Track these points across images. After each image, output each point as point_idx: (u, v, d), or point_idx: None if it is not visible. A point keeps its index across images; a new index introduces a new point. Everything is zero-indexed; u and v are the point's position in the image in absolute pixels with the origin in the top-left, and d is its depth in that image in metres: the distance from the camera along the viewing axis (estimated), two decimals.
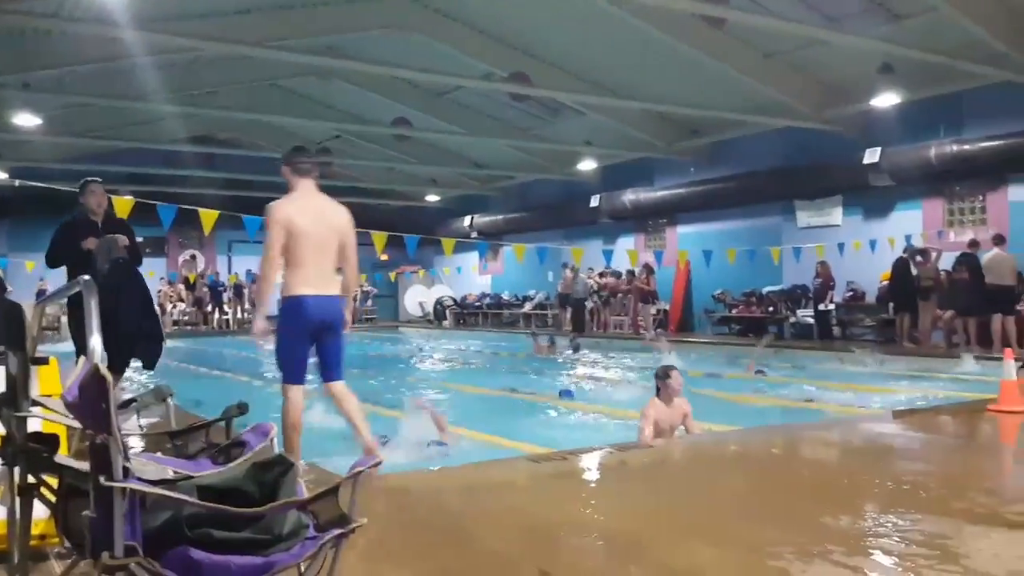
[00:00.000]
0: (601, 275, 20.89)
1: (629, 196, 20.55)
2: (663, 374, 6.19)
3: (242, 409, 2.47)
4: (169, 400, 2.80)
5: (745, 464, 5.37)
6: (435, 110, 19.77)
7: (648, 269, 19.04)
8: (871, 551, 3.36)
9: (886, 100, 14.01)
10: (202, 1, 13.49)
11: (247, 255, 27.99)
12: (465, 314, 26.28)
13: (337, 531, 1.90)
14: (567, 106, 18.60)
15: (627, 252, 17.85)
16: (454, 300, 26.99)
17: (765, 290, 17.59)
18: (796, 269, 16.97)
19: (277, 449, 2.19)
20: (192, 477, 1.97)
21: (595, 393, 10.42)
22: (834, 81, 15.16)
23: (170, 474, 2.00)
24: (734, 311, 18.18)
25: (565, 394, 9.60)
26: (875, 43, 12.41)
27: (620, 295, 20.17)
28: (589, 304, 20.57)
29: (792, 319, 16.88)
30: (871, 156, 15.05)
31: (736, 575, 3.11)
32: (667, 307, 19.99)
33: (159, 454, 2.29)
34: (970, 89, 13.89)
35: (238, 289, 25.73)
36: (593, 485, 4.84)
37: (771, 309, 17.39)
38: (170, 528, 1.79)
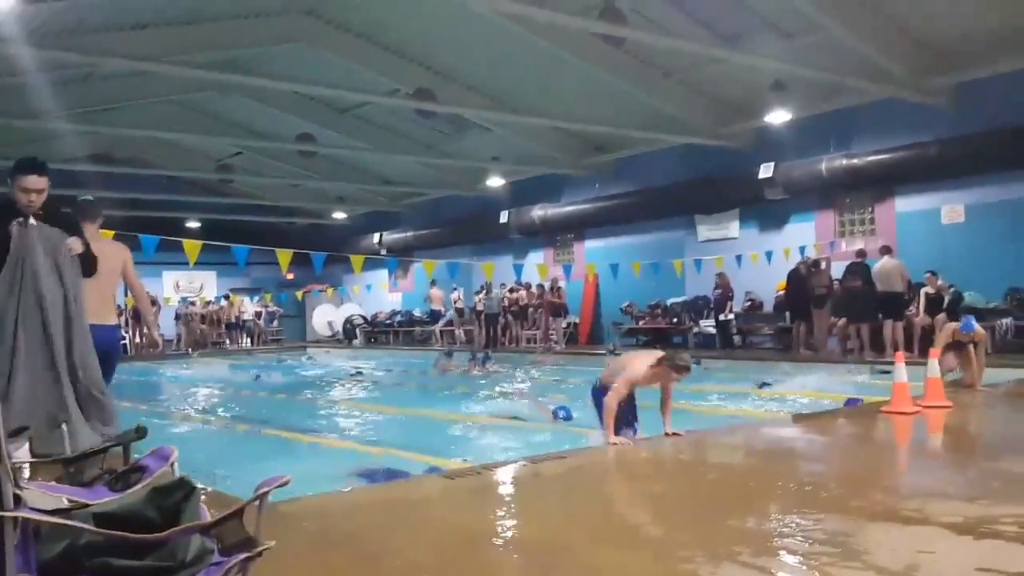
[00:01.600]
0: (512, 290, 21.03)
1: (537, 212, 20.78)
2: (685, 365, 6.03)
3: (140, 433, 2.37)
4: (63, 427, 2.67)
5: (655, 470, 5.47)
6: (340, 126, 19.58)
7: (556, 283, 19.28)
8: (777, 551, 3.46)
9: (779, 117, 14.59)
10: (97, 15, 13.00)
11: (145, 277, 27.11)
12: (376, 332, 25.98)
13: (243, 555, 1.84)
14: (473, 123, 18.71)
15: (537, 267, 18.01)
16: (364, 318, 26.65)
17: (669, 301, 18.06)
18: (698, 281, 17.46)
19: (178, 473, 2.11)
20: (89, 505, 1.88)
21: (510, 406, 10.45)
22: (730, 98, 15.72)
23: (65, 502, 1.90)
24: (641, 323, 18.57)
25: (561, 411, 8.87)
26: (768, 61, 12.92)
27: (532, 309, 20.33)
28: (501, 320, 20.69)
29: (695, 329, 17.35)
30: (765, 171, 15.66)
31: None
32: (577, 320, 20.25)
33: (53, 482, 2.18)
34: (858, 105, 14.61)
35: (135, 313, 24.70)
36: (508, 497, 4.84)
37: (675, 320, 17.83)
38: (67, 559, 1.71)
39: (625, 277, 17.44)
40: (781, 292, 15.67)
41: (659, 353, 6.12)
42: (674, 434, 6.11)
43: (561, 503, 4.52)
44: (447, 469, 5.67)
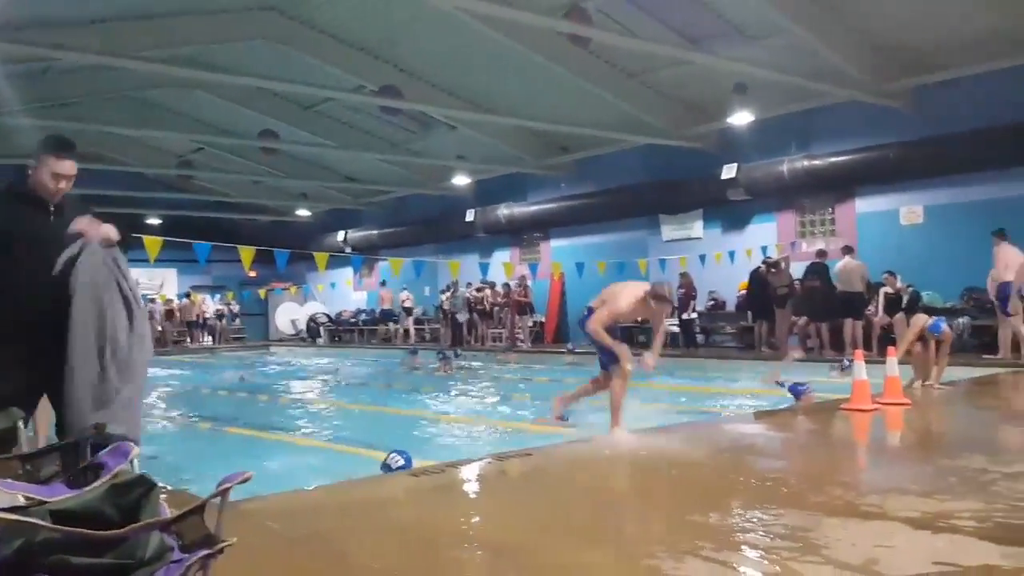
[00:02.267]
0: (478, 289, 21.02)
1: (503, 211, 20.80)
2: (664, 296, 6.44)
3: (99, 430, 2.33)
4: (19, 424, 2.61)
5: (618, 467, 5.50)
6: (304, 123, 19.41)
7: (523, 282, 19.31)
8: (739, 545, 3.50)
9: (741, 118, 14.74)
10: (57, 8, 12.73)
11: None
12: (340, 331, 25.81)
13: (204, 552, 1.82)
14: (439, 121, 18.66)
15: (503, 265, 18.01)
16: (328, 317, 26.45)
17: None
18: (662, 280, 17.53)
19: (138, 470, 2.08)
20: (46, 502, 1.84)
21: (475, 405, 10.44)
22: (693, 100, 15.86)
23: (21, 500, 1.86)
24: None
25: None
26: (731, 64, 13.05)
27: (497, 308, 20.32)
28: (464, 318, 20.66)
29: None
30: (728, 172, 15.81)
31: (612, 573, 3.17)
32: (543, 319, 20.29)
33: (9, 480, 2.13)
34: (819, 107, 14.81)
35: None
36: (473, 496, 4.83)
37: (640, 319, 17.91)
38: (23, 556, 1.67)
39: (590, 276, 17.50)
40: (743, 292, 15.85)
41: (645, 286, 6.37)
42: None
43: (525, 501, 4.53)
44: (412, 467, 5.64)
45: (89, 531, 1.68)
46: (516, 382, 13.45)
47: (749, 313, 15.59)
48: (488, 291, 20.52)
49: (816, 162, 14.92)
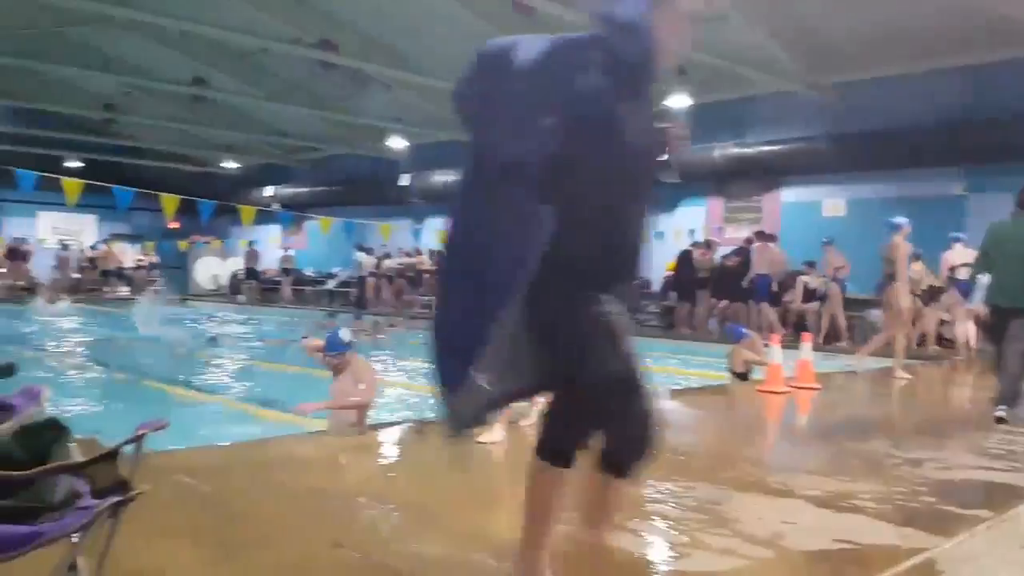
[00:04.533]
0: (408, 255, 20.89)
1: (439, 177, 20.60)
2: None
3: (9, 370, 2.25)
4: None
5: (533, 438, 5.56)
6: (236, 72, 18.82)
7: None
8: (650, 515, 3.59)
9: (678, 101, 14.88)
10: None
11: (17, 215, 25.54)
12: (263, 289, 25.30)
13: (115, 498, 1.78)
14: (377, 80, 18.32)
15: (437, 233, 17.89)
16: (250, 272, 25.88)
17: None
18: None
19: (48, 413, 2.02)
20: None
21: (395, 369, 10.42)
22: None
23: None
24: None
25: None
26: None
27: (428, 275, 20.20)
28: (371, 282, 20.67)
29: None
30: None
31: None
32: None
33: None
34: (754, 96, 15.07)
35: (14, 252, 23.26)
36: (392, 459, 4.84)
37: None
38: None
39: None
40: (669, 273, 16.11)
41: None
42: None
43: (443, 466, 4.55)
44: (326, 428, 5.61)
45: None
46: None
47: (674, 294, 15.87)
48: (422, 257, 20.43)
49: (747, 150, 15.21)
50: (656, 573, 3.09)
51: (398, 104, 19.02)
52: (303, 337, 7.79)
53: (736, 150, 15.32)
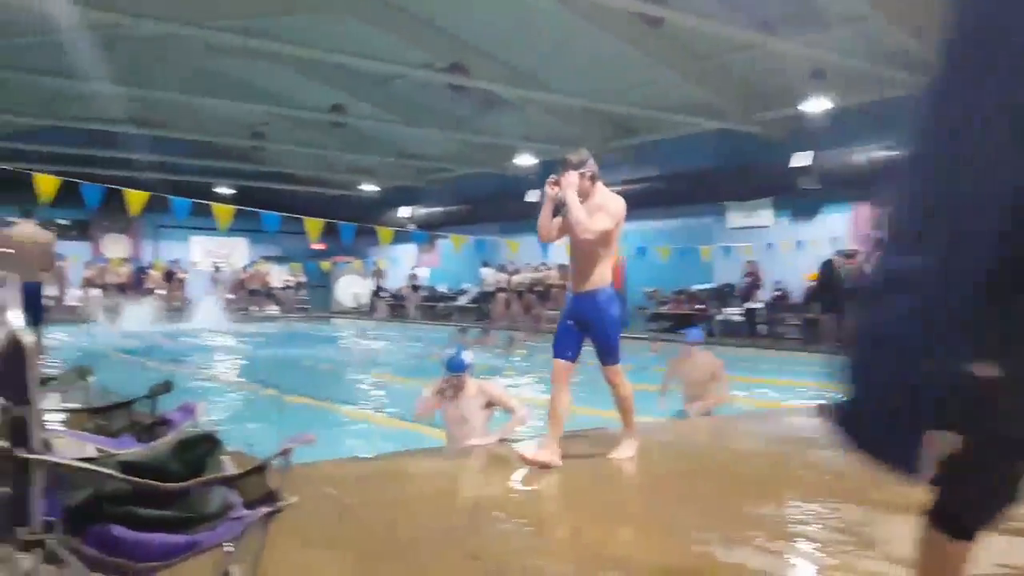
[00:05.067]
0: (537, 269, 21.05)
1: None
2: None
3: (167, 387, 2.40)
4: (90, 379, 2.70)
5: (673, 454, 5.45)
6: (373, 98, 19.56)
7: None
8: (793, 538, 3.45)
9: (817, 105, 14.36)
10: None
11: (173, 240, 27.35)
12: (399, 306, 26.09)
13: (266, 509, 1.87)
14: (505, 100, 18.61)
15: (566, 247, 17.92)
16: (388, 292, 26.75)
17: (695, 288, 17.96)
18: (725, 267, 17.33)
19: (203, 427, 2.14)
20: (115, 454, 1.91)
21: (526, 384, 10.48)
22: (766, 85, 15.52)
23: (92, 451, 1.94)
24: (665, 307, 18.50)
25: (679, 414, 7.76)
26: (807, 49, 12.72)
27: (556, 290, 20.28)
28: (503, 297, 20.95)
29: (719, 316, 17.23)
30: (800, 160, 15.43)
31: (659, 558, 3.16)
32: None
33: (81, 432, 2.21)
34: (901, 97, 14.33)
35: (170, 275, 25.05)
36: (524, 472, 4.85)
37: (700, 307, 17.74)
38: (91, 506, 1.73)
39: (652, 261, 17.37)
40: (811, 283, 15.51)
41: None
42: None
43: (578, 482, 4.52)
44: (468, 443, 5.69)
45: (156, 483, 1.73)
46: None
47: (817, 305, 15.24)
48: (552, 272, 20.53)
49: (893, 153, 14.48)
50: None
51: (526, 122, 19.25)
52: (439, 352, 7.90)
53: (884, 154, 14.57)
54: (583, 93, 16.25)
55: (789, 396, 9.57)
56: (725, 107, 15.82)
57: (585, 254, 4.89)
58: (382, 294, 26.56)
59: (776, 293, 16.81)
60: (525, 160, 21.12)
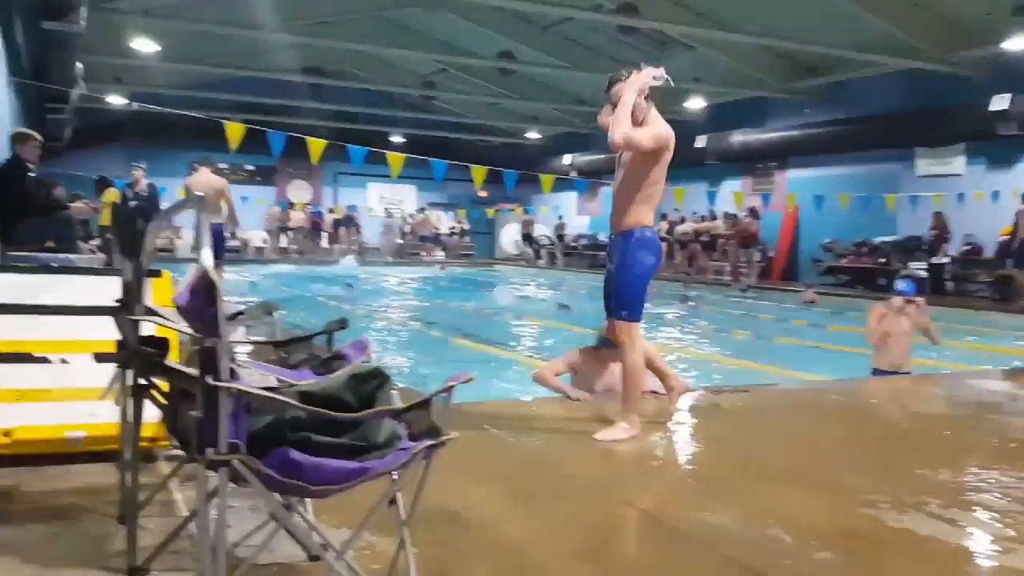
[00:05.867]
0: (702, 219, 20.52)
1: (738, 137, 19.91)
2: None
3: (343, 324, 2.53)
4: (275, 314, 2.89)
5: (844, 414, 5.23)
6: (541, 44, 19.47)
7: (753, 213, 18.55)
8: (970, 506, 3.24)
9: (1019, 43, 13.03)
10: None
11: (351, 187, 28.63)
12: (561, 254, 26.24)
13: (429, 442, 1.96)
14: (676, 40, 18.01)
15: (732, 195, 17.36)
16: (550, 239, 26.93)
17: (877, 240, 16.86)
18: (912, 219, 16.22)
19: (374, 363, 2.25)
20: (295, 385, 2.04)
21: (690, 337, 10.32)
22: (963, 20, 14.17)
23: (274, 381, 2.08)
24: (843, 261, 17.52)
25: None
26: None
27: (722, 240, 19.72)
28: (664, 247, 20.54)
29: (903, 271, 16.15)
30: (999, 103, 14.06)
31: (826, 519, 3.06)
32: (771, 254, 19.47)
33: (264, 363, 2.39)
34: None
35: (348, 220, 26.49)
36: (685, 426, 4.81)
37: (882, 260, 16.68)
38: (272, 431, 1.87)
39: (829, 211, 16.52)
40: (1006, 237, 14.27)
41: None
42: None
43: (740, 438, 4.44)
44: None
45: (331, 412, 1.85)
46: (738, 317, 13.09)
47: (1010, 261, 14.03)
48: (718, 222, 19.96)
49: None
50: (976, 567, 2.78)
51: (698, 64, 18.57)
52: None
53: None
54: (760, 31, 15.44)
55: (976, 359, 8.92)
56: (917, 44, 14.58)
57: (625, 185, 4.31)
58: (537, 242, 26.87)
59: (966, 247, 15.58)
60: (696, 104, 20.45)
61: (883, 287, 15.93)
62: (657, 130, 4.25)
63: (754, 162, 20.61)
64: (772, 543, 2.80)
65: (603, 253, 23.49)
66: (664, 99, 20.28)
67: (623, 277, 4.18)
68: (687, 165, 21.52)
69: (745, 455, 4.00)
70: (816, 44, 15.40)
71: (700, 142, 20.66)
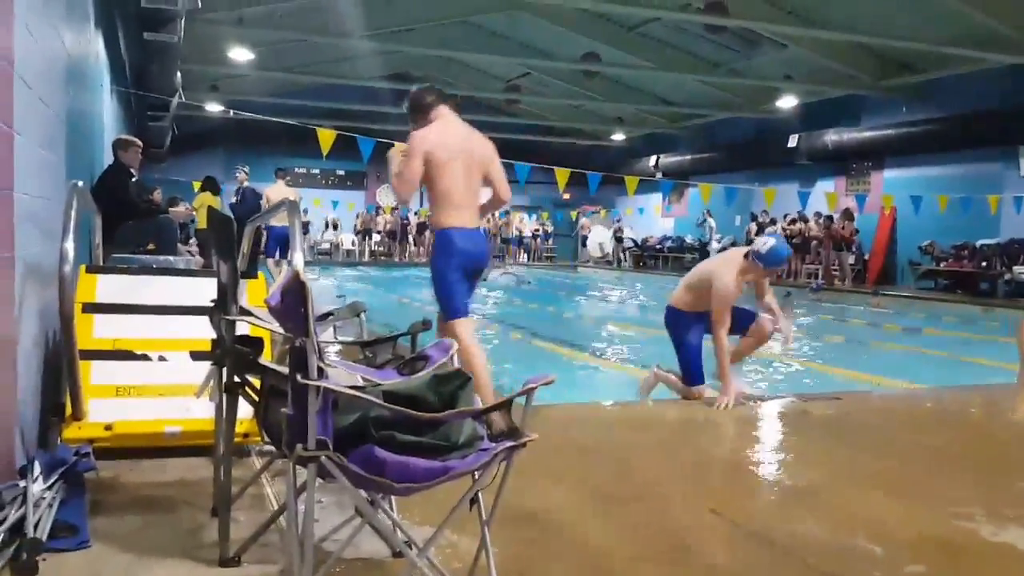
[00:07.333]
0: (792, 222, 20.03)
1: (831, 136, 19.37)
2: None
3: (426, 325, 2.59)
4: (362, 315, 2.97)
5: (939, 422, 5.04)
6: (625, 44, 19.32)
7: (847, 215, 18.01)
8: None
9: None
10: None
11: None
12: (645, 256, 25.98)
13: (509, 443, 1.98)
14: (766, 38, 17.62)
15: (826, 196, 16.86)
16: (634, 242, 26.71)
17: (979, 243, 16.13)
18: (1016, 221, 15.47)
19: (456, 364, 2.29)
20: (380, 384, 2.10)
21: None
22: None
23: (360, 380, 2.14)
24: (942, 264, 16.82)
25: None
26: None
27: (816, 243, 19.19)
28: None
29: (1007, 276, 15.41)
30: None
31: (918, 530, 2.95)
32: (867, 257, 18.87)
33: (351, 363, 2.45)
34: None
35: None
36: (772, 431, 4.71)
37: (984, 264, 15.95)
38: (358, 428, 1.92)
39: (928, 212, 15.92)
40: None
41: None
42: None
43: (828, 445, 4.32)
44: (710, 397, 5.62)
45: (414, 412, 1.89)
46: (828, 322, 12.74)
47: None
48: (811, 223, 19.45)
49: None
50: None
51: (789, 61, 18.15)
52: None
53: None
54: (854, 27, 14.98)
55: None
56: (1018, 38, 13.91)
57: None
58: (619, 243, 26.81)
59: None
60: (787, 102, 19.99)
61: (985, 292, 15.27)
62: (407, 146, 4.49)
63: (848, 162, 20.01)
64: (861, 553, 2.72)
65: (688, 256, 23.39)
66: (753, 99, 20.08)
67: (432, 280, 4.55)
68: (778, 165, 21.09)
69: (835, 462, 3.90)
70: (911, 40, 14.84)
71: (792, 141, 20.18)
